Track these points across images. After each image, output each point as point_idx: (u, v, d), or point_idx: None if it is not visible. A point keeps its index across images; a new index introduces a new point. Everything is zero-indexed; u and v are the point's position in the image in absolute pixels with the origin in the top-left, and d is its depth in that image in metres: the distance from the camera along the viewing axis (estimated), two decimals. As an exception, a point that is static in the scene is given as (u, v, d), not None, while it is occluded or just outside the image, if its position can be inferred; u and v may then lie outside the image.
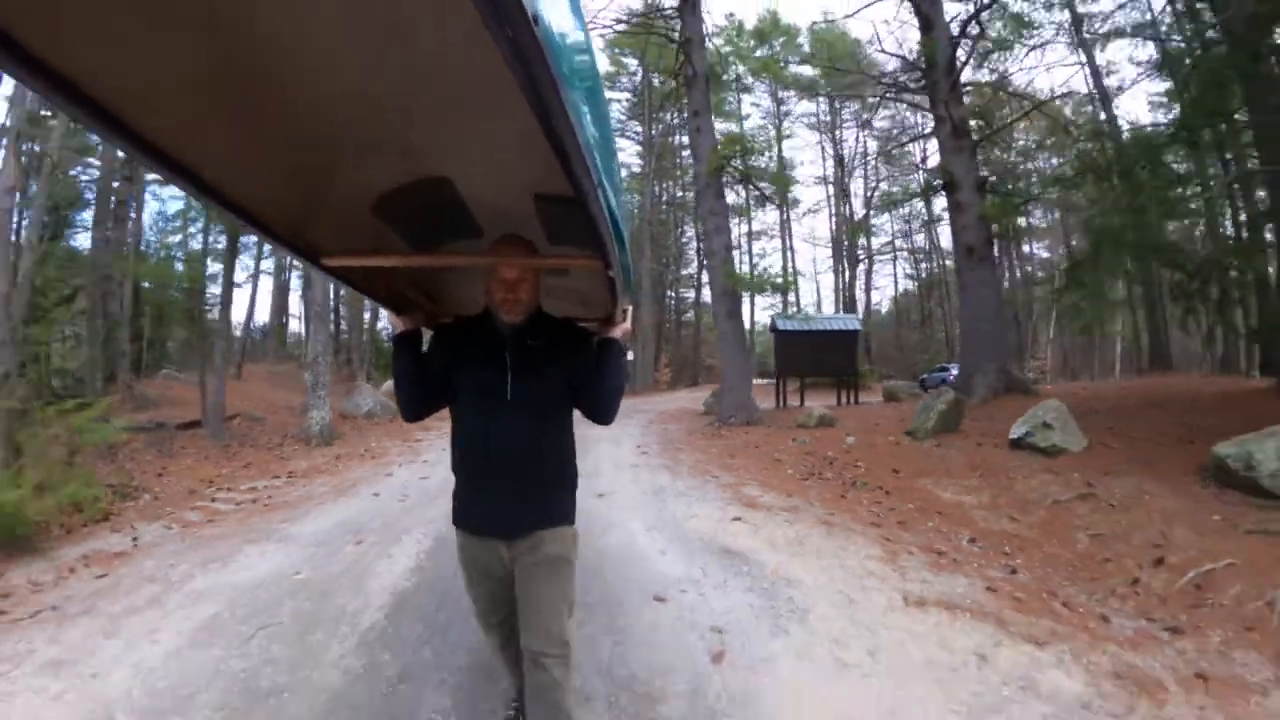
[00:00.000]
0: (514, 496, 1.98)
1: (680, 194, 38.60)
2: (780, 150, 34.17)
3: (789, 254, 36.58)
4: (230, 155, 1.40)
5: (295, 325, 33.00)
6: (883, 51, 14.96)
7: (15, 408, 6.29)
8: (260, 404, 16.85)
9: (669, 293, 40.49)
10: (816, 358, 16.38)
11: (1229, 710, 2.62)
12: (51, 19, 0.91)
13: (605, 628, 3.35)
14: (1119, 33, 14.13)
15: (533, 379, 1.98)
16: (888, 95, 15.57)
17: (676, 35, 13.52)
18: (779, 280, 15.10)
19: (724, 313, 12.70)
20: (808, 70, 27.15)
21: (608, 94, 29.99)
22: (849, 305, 33.29)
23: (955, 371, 16.19)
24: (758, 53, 31.25)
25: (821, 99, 31.56)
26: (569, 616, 2.03)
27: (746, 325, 22.94)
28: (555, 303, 2.45)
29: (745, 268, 25.56)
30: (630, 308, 2.25)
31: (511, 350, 1.99)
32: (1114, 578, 4.14)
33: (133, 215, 16.69)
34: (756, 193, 18.15)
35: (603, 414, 2.06)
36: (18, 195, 8.45)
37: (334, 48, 1.11)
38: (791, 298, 30.25)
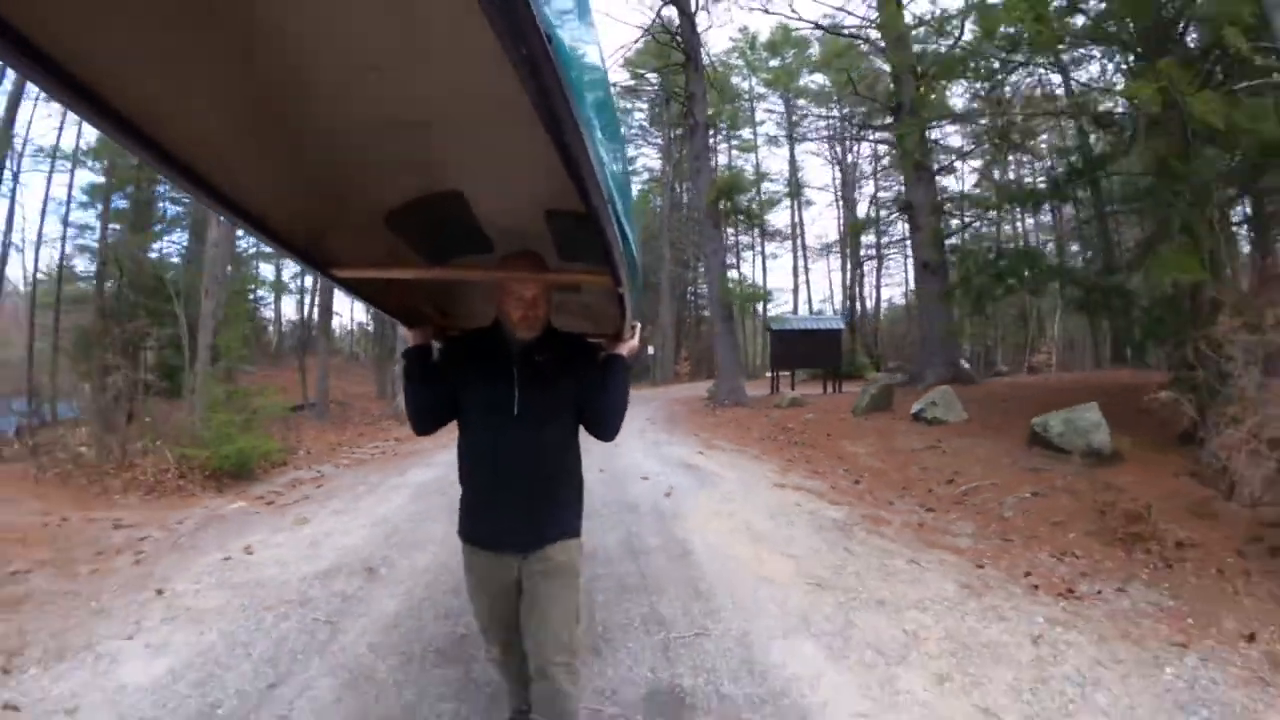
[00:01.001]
0: (523, 511, 2.00)
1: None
2: (793, 153, 36.51)
3: (800, 255, 39.06)
4: (245, 167, 1.46)
5: (339, 321, 36.64)
6: (856, 94, 17.59)
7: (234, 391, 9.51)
8: (335, 392, 20.20)
9: (689, 289, 43.07)
10: (805, 353, 19.14)
11: (925, 538, 5.50)
12: (83, 34, 0.96)
13: (618, 490, 6.44)
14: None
15: (540, 393, 2.00)
16: (861, 135, 18.31)
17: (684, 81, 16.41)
18: (762, 291, 17.97)
19: (720, 317, 15.67)
20: (819, 79, 29.27)
21: (628, 104, 32.76)
22: (851, 302, 35.85)
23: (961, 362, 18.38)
24: (771, 63, 33.79)
25: (831, 107, 33.72)
26: (577, 624, 2.07)
27: (760, 322, 25.83)
28: (564, 318, 2.50)
29: (755, 275, 28.44)
30: (638, 325, 2.29)
31: (519, 365, 2.00)
32: (917, 488, 7.03)
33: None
34: (744, 221, 20.96)
35: (605, 430, 2.08)
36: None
37: (351, 65, 1.18)
38: (789, 299, 33.01)
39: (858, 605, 3.78)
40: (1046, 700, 2.78)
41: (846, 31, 16.38)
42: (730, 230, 23.80)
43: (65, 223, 16.94)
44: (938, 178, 17.72)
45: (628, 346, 2.20)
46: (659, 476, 7.09)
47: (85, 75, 1.01)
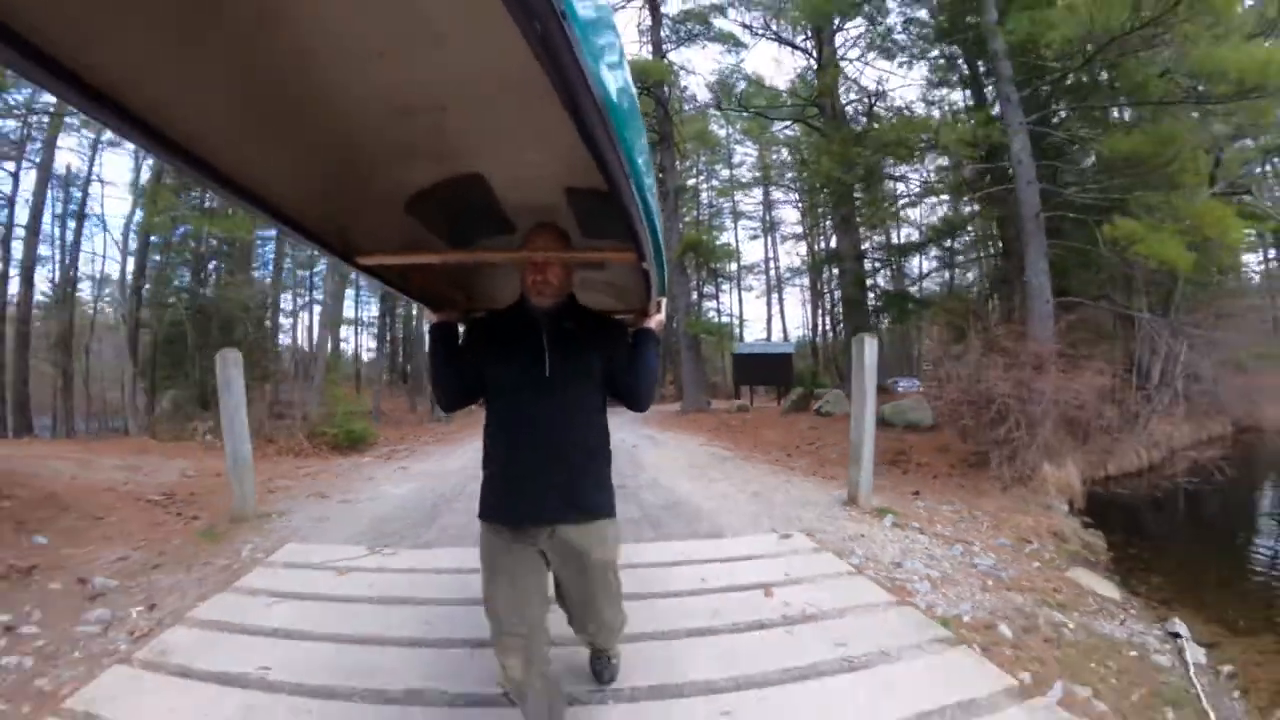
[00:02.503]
0: (552, 479, 1.95)
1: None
2: (767, 192, 39.95)
3: (771, 286, 43.21)
4: (264, 157, 1.46)
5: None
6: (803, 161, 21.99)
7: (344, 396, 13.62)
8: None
9: (673, 322, 46.98)
10: (762, 373, 23.31)
11: (771, 463, 9.63)
12: (91, 37, 0.95)
13: (601, 452, 10.59)
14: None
15: (570, 362, 1.98)
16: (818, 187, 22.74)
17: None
18: (718, 325, 22.29)
19: (686, 345, 19.90)
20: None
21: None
22: (814, 328, 39.80)
23: (910, 383, 21.08)
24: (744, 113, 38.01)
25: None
26: (621, 602, 2.26)
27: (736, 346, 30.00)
28: (591, 295, 2.57)
29: (733, 305, 32.79)
30: (664, 299, 2.28)
31: (548, 334, 1.99)
32: (790, 447, 11.14)
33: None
34: (708, 270, 25.40)
35: (639, 400, 2.10)
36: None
37: (367, 51, 1.16)
38: (764, 326, 37.11)
39: (714, 476, 7.92)
40: (766, 488, 6.88)
41: (789, 109, 20.85)
42: (703, 273, 27.93)
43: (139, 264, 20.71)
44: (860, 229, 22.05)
45: (656, 320, 2.21)
46: (634, 444, 11.09)
47: (97, 77, 1.02)
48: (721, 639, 3.11)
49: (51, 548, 4.77)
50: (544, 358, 1.96)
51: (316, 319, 25.28)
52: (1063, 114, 10.78)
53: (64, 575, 4.23)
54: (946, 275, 21.74)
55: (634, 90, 1.16)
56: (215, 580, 4.16)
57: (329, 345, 14.16)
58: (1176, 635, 4.24)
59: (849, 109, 19.61)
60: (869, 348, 5.94)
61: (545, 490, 1.95)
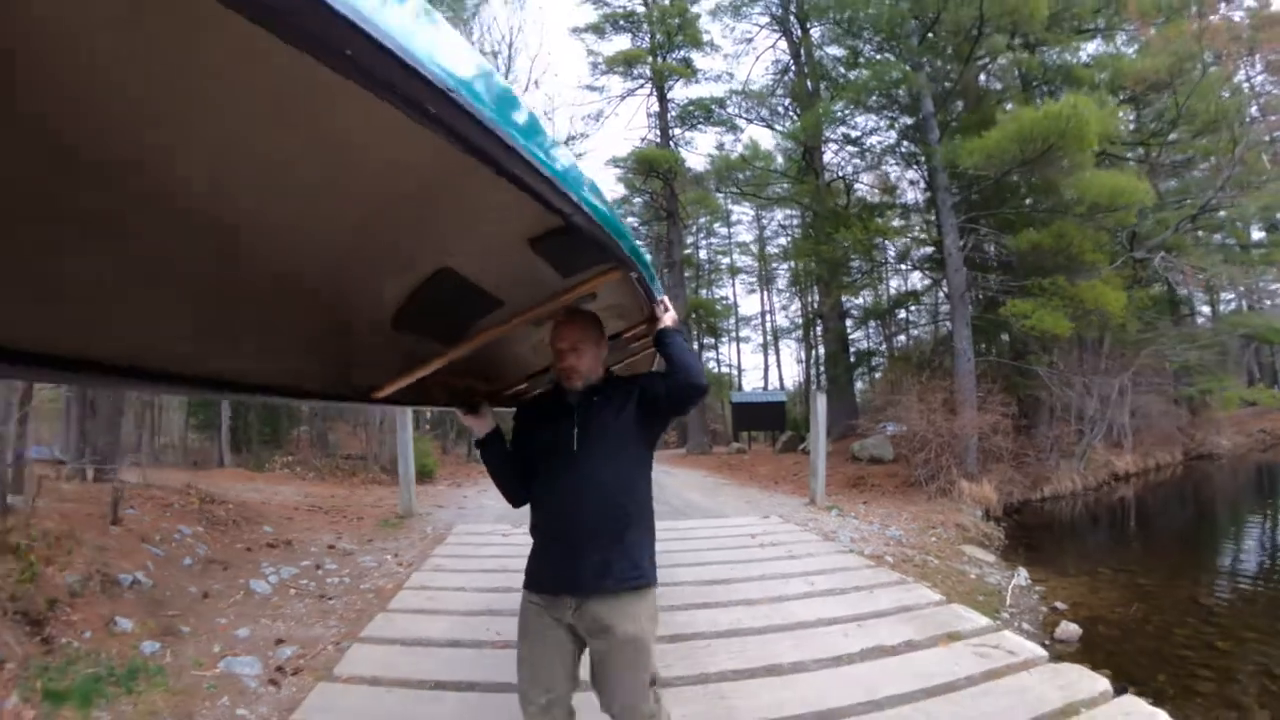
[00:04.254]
0: (586, 552, 1.95)
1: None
2: (763, 249, 42.71)
3: (768, 337, 46.15)
4: (230, 343, 1.35)
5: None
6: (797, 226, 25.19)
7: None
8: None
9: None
10: (758, 419, 26.06)
11: (761, 488, 12.43)
12: None
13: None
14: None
15: (601, 429, 2.02)
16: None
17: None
18: (721, 375, 25.23)
19: (692, 393, 22.83)
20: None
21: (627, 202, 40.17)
22: (806, 377, 42.61)
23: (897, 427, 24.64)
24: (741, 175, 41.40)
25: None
26: (652, 687, 2.04)
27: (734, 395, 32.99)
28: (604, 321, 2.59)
29: (732, 356, 35.89)
30: (665, 297, 2.27)
31: (579, 407, 2.05)
32: (778, 477, 13.93)
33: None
34: (707, 325, 28.59)
35: (690, 373, 2.04)
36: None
37: (300, 211, 1.08)
38: (761, 376, 39.93)
39: (717, 493, 10.74)
40: (754, 498, 9.68)
41: (779, 197, 24.19)
42: (703, 326, 30.92)
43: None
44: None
45: (669, 317, 2.17)
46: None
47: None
48: (728, 553, 5.98)
49: (279, 534, 7.26)
50: (573, 434, 2.01)
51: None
52: (982, 219, 13.89)
53: (312, 545, 6.93)
54: (913, 334, 24.80)
55: (532, 112, 1.06)
56: (425, 543, 6.95)
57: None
58: (1014, 576, 7.01)
59: (829, 185, 22.74)
60: (820, 401, 8.97)
61: (575, 562, 1.95)
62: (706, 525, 7.24)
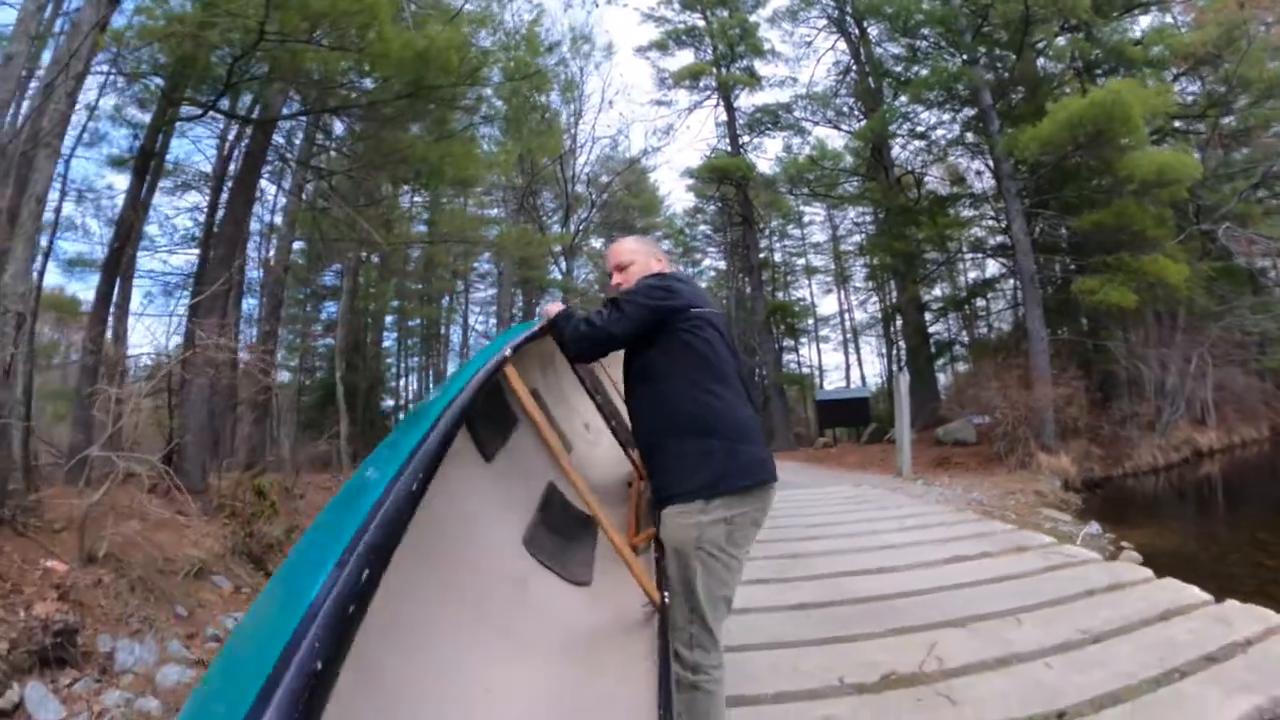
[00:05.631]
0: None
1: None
2: (837, 249, 42.65)
3: (847, 335, 46.19)
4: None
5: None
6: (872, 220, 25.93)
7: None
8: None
9: (757, 371, 49.78)
10: (842, 415, 26.77)
11: (851, 472, 13.46)
12: None
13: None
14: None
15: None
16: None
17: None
18: (799, 375, 26.15)
19: (775, 394, 23.84)
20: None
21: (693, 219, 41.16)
22: (889, 372, 42.37)
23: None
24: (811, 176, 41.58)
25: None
26: (685, 600, 1.93)
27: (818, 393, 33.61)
28: (528, 373, 3.08)
29: (812, 355, 36.53)
30: (540, 308, 2.66)
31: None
32: (867, 463, 14.88)
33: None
34: (786, 326, 29.51)
35: (563, 345, 2.31)
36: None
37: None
38: (841, 372, 40.23)
39: (812, 471, 11.85)
40: (845, 476, 10.79)
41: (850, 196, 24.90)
42: (781, 328, 31.48)
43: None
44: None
45: (551, 308, 2.27)
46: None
47: None
48: (826, 507, 7.22)
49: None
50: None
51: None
52: (1047, 202, 14.52)
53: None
54: (993, 322, 25.05)
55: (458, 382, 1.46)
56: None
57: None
58: (1086, 526, 7.90)
59: (899, 180, 22.95)
60: (903, 380, 10.00)
61: None
62: (804, 492, 8.45)
